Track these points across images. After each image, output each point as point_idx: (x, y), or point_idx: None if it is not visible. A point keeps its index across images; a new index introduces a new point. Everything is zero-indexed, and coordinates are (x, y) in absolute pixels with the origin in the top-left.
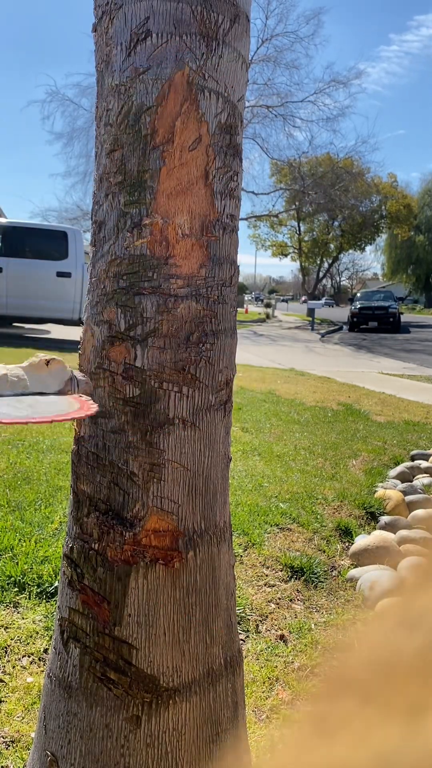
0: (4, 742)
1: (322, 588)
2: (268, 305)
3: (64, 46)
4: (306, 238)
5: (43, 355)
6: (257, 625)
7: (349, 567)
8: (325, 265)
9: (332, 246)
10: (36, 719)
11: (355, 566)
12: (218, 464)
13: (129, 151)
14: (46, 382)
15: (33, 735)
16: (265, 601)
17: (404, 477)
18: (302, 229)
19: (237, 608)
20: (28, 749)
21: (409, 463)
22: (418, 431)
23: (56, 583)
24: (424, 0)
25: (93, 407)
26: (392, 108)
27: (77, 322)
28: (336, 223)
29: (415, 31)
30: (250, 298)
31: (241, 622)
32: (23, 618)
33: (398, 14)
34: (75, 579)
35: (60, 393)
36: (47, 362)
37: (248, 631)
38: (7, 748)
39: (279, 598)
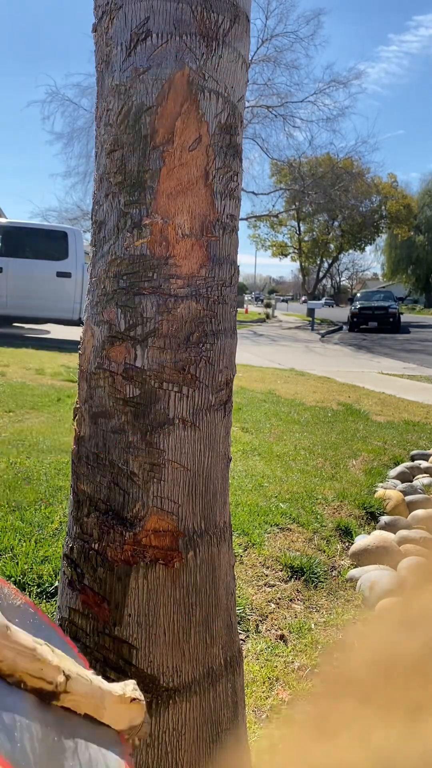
0: None
1: (322, 588)
2: (268, 305)
3: (64, 46)
4: (306, 238)
5: (132, 692)
6: (257, 625)
7: (349, 567)
8: (325, 265)
9: (332, 246)
10: None
11: (355, 566)
12: (218, 464)
13: (129, 151)
14: (118, 717)
15: None
16: (265, 601)
17: (404, 477)
18: (302, 229)
19: (237, 608)
20: None
21: (409, 463)
22: (418, 431)
23: (56, 583)
24: (423, 0)
25: None
26: (392, 108)
27: (77, 322)
28: (336, 223)
29: (414, 31)
30: (250, 298)
31: (241, 622)
32: None
33: (397, 14)
34: (75, 579)
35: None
36: (131, 700)
37: (248, 631)
38: None
39: (279, 598)
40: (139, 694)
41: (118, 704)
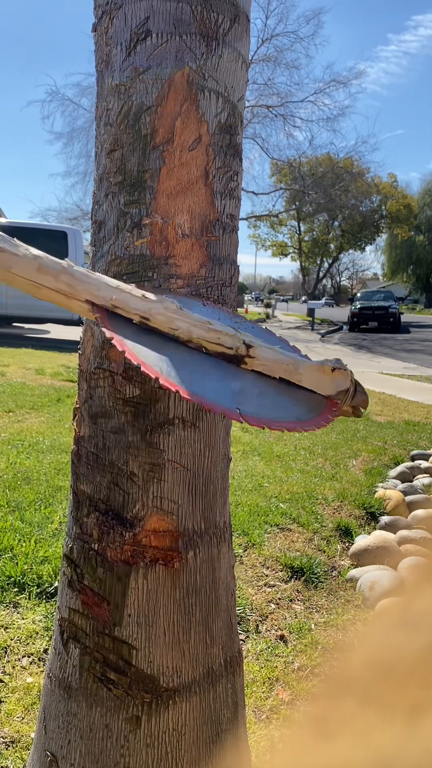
0: (4, 742)
1: (322, 588)
2: (268, 305)
3: (64, 46)
4: (306, 238)
5: (335, 362)
6: (257, 626)
7: (349, 567)
8: (325, 265)
9: (332, 246)
10: (36, 719)
11: (355, 566)
12: (218, 464)
13: (129, 150)
14: (322, 383)
15: (33, 735)
16: (265, 602)
17: (404, 477)
18: (302, 229)
19: (237, 608)
20: (28, 749)
21: (409, 463)
22: (418, 431)
23: (56, 584)
24: (422, 0)
25: (330, 419)
26: (391, 108)
27: (77, 322)
28: (336, 223)
29: (413, 31)
30: (250, 298)
31: (241, 623)
32: (23, 618)
33: (396, 14)
34: (75, 579)
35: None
36: (332, 369)
37: (248, 631)
38: (7, 749)
39: (279, 599)
40: (341, 365)
41: (317, 372)
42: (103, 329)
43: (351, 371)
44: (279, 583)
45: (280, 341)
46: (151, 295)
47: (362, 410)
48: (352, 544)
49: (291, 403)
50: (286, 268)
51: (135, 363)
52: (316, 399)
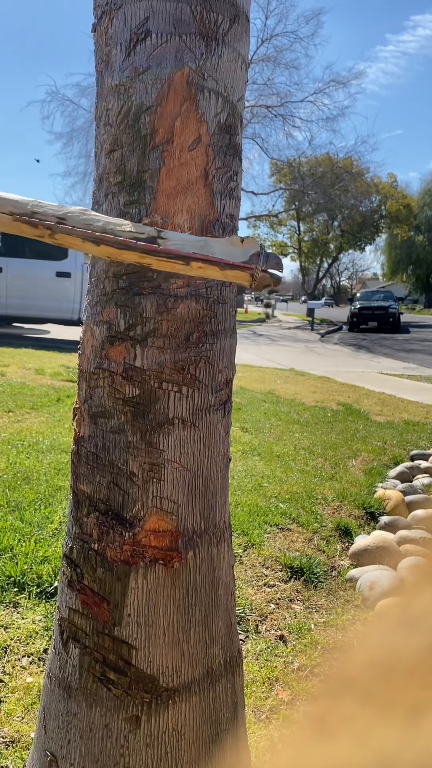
0: (3, 742)
1: (322, 588)
2: (267, 305)
3: (64, 46)
4: (306, 238)
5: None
6: (257, 625)
7: (348, 567)
8: (325, 265)
9: (332, 246)
10: (36, 719)
11: (355, 566)
12: (218, 464)
13: (129, 151)
14: (233, 253)
15: (33, 735)
16: (265, 602)
17: (404, 477)
18: (302, 229)
19: (237, 608)
20: (28, 749)
21: (408, 463)
22: (418, 431)
23: (56, 583)
24: (420, 0)
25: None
26: (390, 108)
27: (77, 322)
28: (336, 223)
29: (411, 31)
30: (249, 298)
31: (241, 622)
32: (23, 618)
33: (395, 14)
34: (75, 579)
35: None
36: (242, 240)
37: (248, 631)
38: (6, 748)
39: (279, 599)
40: (248, 235)
41: (227, 245)
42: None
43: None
44: (279, 583)
45: None
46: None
47: (279, 275)
48: (352, 544)
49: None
50: (286, 268)
51: None
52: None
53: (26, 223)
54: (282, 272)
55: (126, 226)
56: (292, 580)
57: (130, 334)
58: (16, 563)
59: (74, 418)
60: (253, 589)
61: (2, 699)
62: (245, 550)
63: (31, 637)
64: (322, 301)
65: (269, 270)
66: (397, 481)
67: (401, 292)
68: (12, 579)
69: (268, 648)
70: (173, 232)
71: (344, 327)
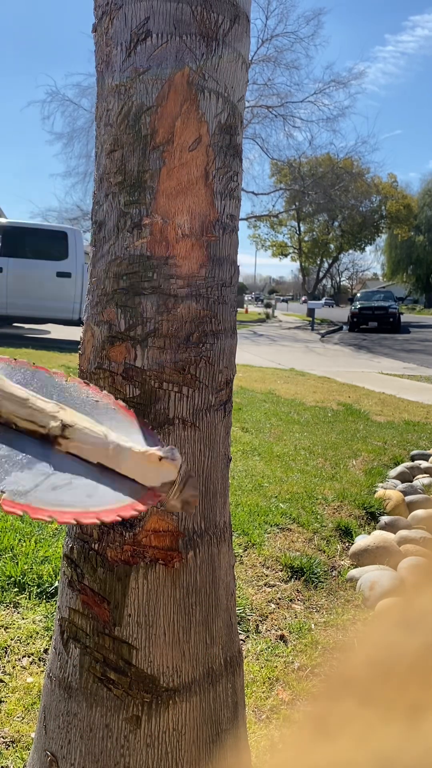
0: (4, 742)
1: (322, 588)
2: (268, 305)
3: (64, 46)
4: (306, 238)
5: (163, 452)
6: (257, 625)
7: (349, 567)
8: (325, 265)
9: (332, 246)
10: (36, 719)
11: (355, 566)
12: (218, 464)
13: (129, 151)
14: (145, 473)
15: (33, 735)
16: (265, 601)
17: (404, 477)
18: (302, 229)
19: (237, 608)
20: (28, 749)
21: (409, 463)
22: (418, 431)
23: (56, 583)
24: (419, 0)
25: (149, 503)
26: (389, 108)
27: (77, 322)
28: (336, 223)
29: (410, 31)
30: (250, 298)
31: (241, 622)
32: (23, 618)
33: (393, 14)
34: (75, 579)
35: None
36: (160, 458)
37: (248, 631)
38: (7, 748)
39: (279, 598)
40: (171, 454)
41: (141, 460)
42: None
43: (182, 462)
44: (279, 583)
45: (136, 429)
46: None
47: (193, 507)
48: (352, 544)
49: (103, 491)
50: (286, 268)
51: None
52: (137, 489)
53: None
54: (197, 504)
55: (27, 410)
56: (292, 580)
57: (131, 335)
58: (17, 563)
59: None
60: (253, 589)
61: (2, 699)
62: (245, 550)
63: (31, 637)
64: (323, 301)
65: (183, 499)
66: (398, 481)
67: (401, 292)
68: (12, 579)
69: (269, 648)
70: (82, 430)
71: (344, 327)
